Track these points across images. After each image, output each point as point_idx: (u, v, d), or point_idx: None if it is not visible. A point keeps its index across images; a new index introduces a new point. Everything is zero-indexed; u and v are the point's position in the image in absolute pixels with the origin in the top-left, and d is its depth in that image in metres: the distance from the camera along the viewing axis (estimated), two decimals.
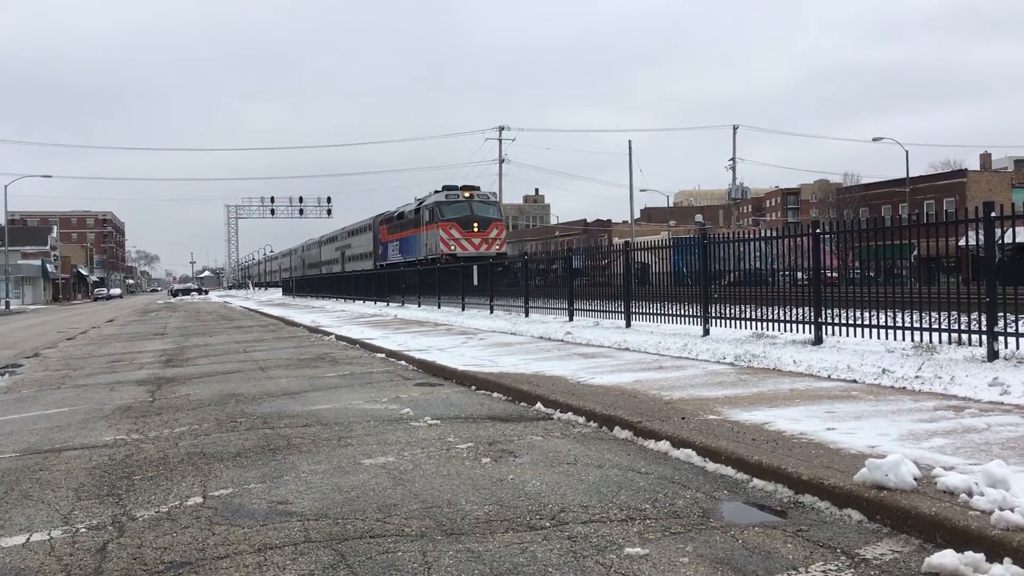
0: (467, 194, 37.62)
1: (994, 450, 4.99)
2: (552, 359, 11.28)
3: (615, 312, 16.76)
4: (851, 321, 10.73)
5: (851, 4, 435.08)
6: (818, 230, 11.64)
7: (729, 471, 5.19)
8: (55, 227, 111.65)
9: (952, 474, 4.25)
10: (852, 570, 3.61)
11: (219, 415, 8.30)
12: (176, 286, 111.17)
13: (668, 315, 14.82)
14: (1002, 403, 6.61)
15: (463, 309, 25.52)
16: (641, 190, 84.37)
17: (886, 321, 10.26)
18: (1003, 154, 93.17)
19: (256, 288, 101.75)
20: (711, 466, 5.35)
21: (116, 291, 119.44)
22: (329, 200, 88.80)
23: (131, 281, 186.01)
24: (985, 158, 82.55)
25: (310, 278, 64.17)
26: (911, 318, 10.00)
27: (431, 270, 30.61)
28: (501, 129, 63.77)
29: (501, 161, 63.31)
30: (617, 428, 6.59)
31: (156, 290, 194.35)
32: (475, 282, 26.07)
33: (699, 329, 13.59)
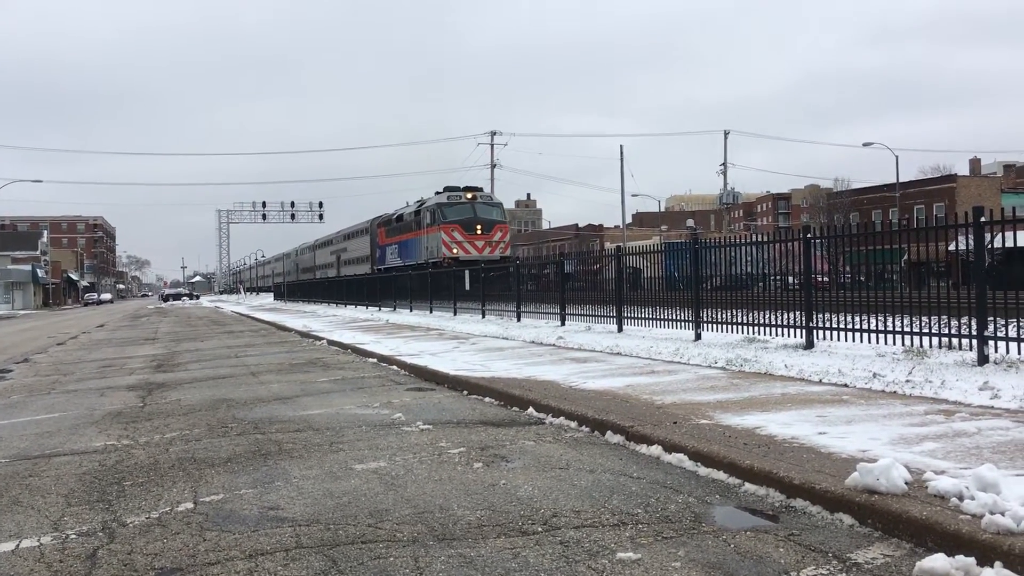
0: (470, 196, 36.56)
1: (985, 454, 5.01)
2: (544, 363, 11.28)
3: (607, 317, 16.77)
4: (842, 325, 10.77)
5: (850, 5, 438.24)
6: (809, 235, 11.68)
7: (721, 475, 5.19)
8: (45, 232, 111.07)
9: (943, 478, 4.26)
10: (844, 574, 3.62)
11: (210, 420, 8.27)
12: (167, 291, 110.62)
13: (660, 320, 14.87)
14: (992, 407, 6.64)
15: (455, 314, 25.51)
16: (633, 195, 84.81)
17: (877, 325, 10.30)
18: (992, 159, 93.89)
19: (248, 293, 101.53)
20: (703, 470, 5.36)
21: (107, 296, 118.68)
22: (321, 205, 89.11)
23: (122, 286, 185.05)
24: (975, 163, 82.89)
25: (302, 283, 63.80)
26: (902, 322, 10.05)
27: (423, 275, 30.56)
28: (493, 134, 64.33)
29: (493, 166, 63.63)
30: (609, 433, 6.59)
31: (147, 295, 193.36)
32: (467, 287, 26.05)
33: (691, 333, 13.61)
